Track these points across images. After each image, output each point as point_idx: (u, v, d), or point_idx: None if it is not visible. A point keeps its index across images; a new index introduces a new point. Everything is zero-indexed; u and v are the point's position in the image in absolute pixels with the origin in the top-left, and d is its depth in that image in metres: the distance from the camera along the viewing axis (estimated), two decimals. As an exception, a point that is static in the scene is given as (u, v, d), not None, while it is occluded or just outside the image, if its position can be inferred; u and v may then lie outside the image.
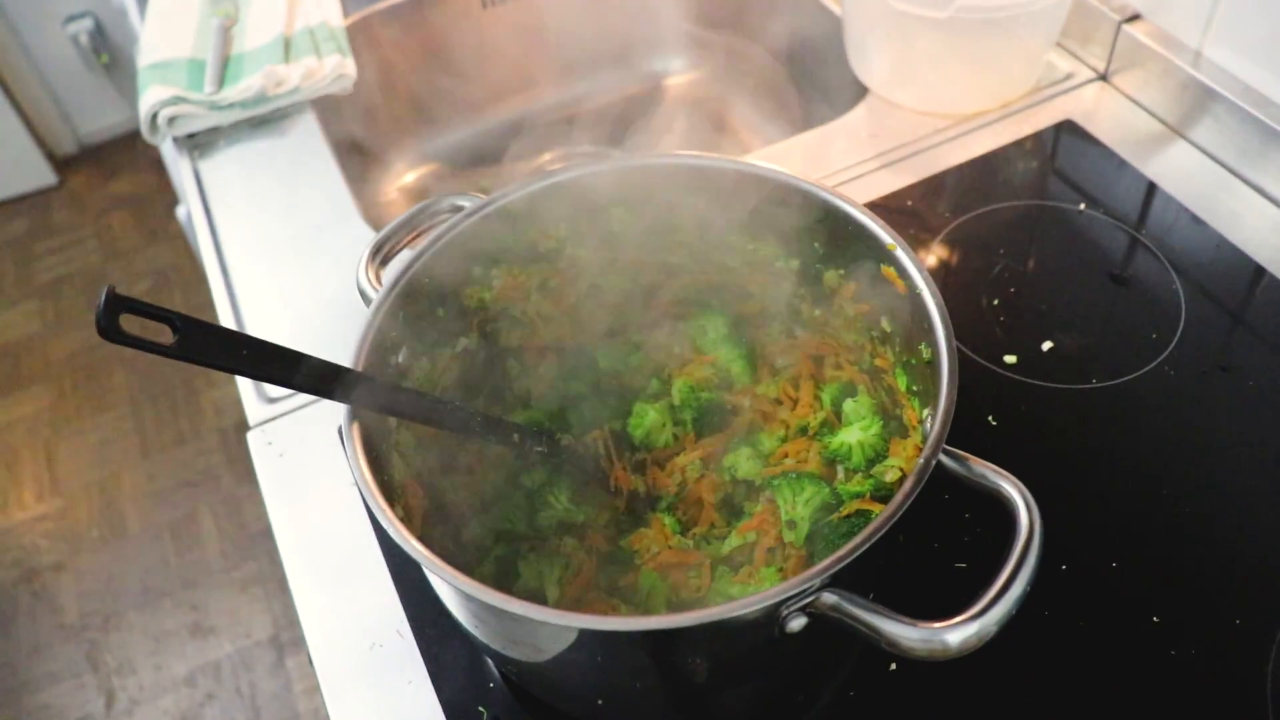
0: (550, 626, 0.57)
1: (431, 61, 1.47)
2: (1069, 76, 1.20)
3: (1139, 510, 0.81)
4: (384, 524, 0.59)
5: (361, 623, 0.80)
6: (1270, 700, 0.70)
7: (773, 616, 0.55)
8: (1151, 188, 1.07)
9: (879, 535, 0.54)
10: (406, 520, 0.66)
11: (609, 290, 0.85)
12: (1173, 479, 0.82)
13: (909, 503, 0.55)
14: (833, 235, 0.74)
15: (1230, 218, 1.03)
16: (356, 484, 0.62)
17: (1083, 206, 1.05)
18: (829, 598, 0.55)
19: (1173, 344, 0.92)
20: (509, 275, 0.80)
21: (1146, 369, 0.90)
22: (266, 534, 0.86)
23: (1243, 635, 0.74)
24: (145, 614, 2.15)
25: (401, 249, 0.78)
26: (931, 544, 0.79)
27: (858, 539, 0.54)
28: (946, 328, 0.63)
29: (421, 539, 0.59)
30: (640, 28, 1.61)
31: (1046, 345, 0.93)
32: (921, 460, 0.57)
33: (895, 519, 0.54)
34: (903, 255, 0.68)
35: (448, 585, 0.57)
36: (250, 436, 0.93)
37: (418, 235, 0.79)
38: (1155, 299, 0.96)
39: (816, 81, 1.41)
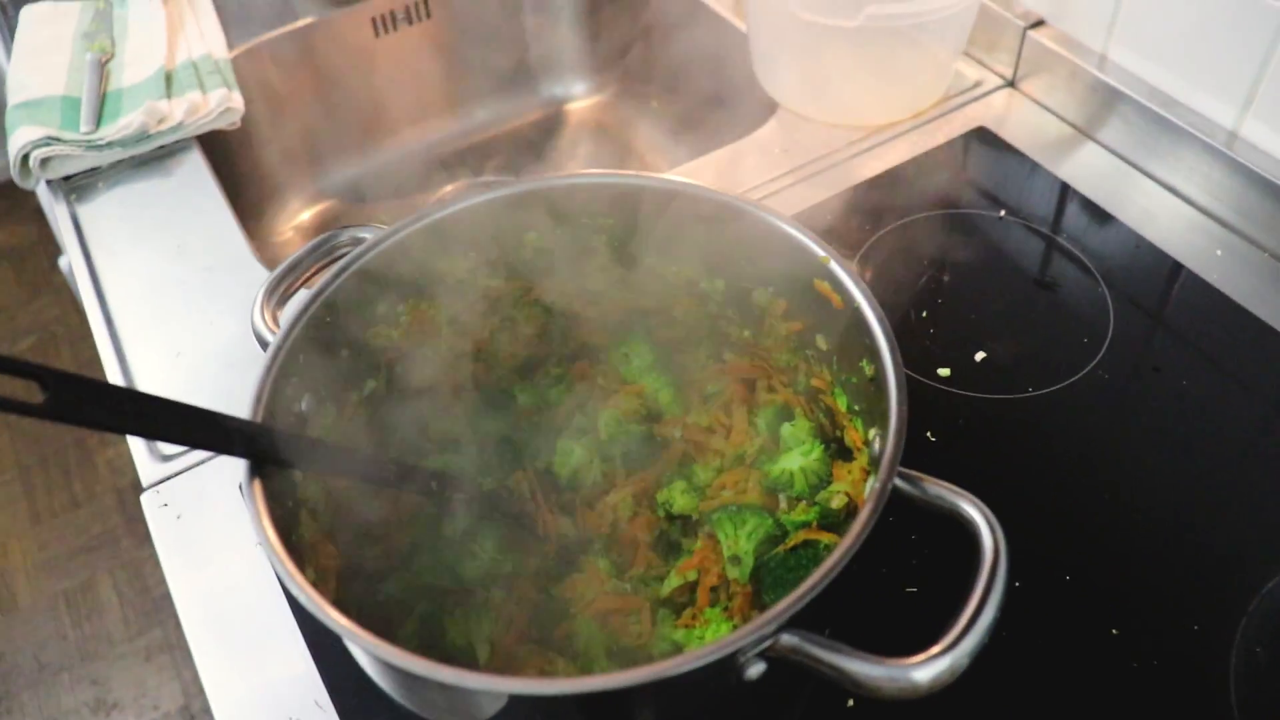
0: (482, 693, 0.52)
1: (324, 93, 1.41)
2: (978, 84, 1.19)
3: (1087, 520, 0.78)
4: (293, 589, 0.53)
5: (275, 695, 0.73)
6: (1236, 705, 0.68)
7: (729, 665, 0.50)
8: (1068, 191, 1.06)
9: (839, 569, 0.50)
10: (319, 582, 0.60)
11: (524, 322, 0.81)
12: (1118, 485, 0.80)
13: (868, 532, 0.51)
14: (759, 251, 0.71)
15: (1145, 217, 1.03)
16: (262, 546, 0.56)
17: (1003, 213, 1.04)
18: (788, 640, 0.51)
19: (1105, 347, 0.90)
20: (417, 311, 0.75)
21: (1081, 374, 0.88)
22: (171, 597, 0.79)
23: (1203, 640, 0.71)
24: (40, 693, 2.01)
25: (300, 287, 0.72)
26: (879, 569, 0.75)
27: (817, 575, 0.49)
28: (890, 341, 0.60)
29: (337, 602, 0.54)
30: (539, 53, 1.58)
31: (979, 356, 0.90)
32: (878, 484, 0.53)
33: (855, 549, 0.50)
34: (837, 268, 0.65)
35: (368, 653, 0.52)
36: (144, 498, 0.85)
37: (317, 272, 0.73)
38: (1083, 302, 0.95)
39: (723, 99, 1.38)
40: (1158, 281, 0.96)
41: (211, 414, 0.56)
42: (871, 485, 0.57)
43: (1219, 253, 0.99)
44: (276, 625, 0.77)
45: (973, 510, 0.54)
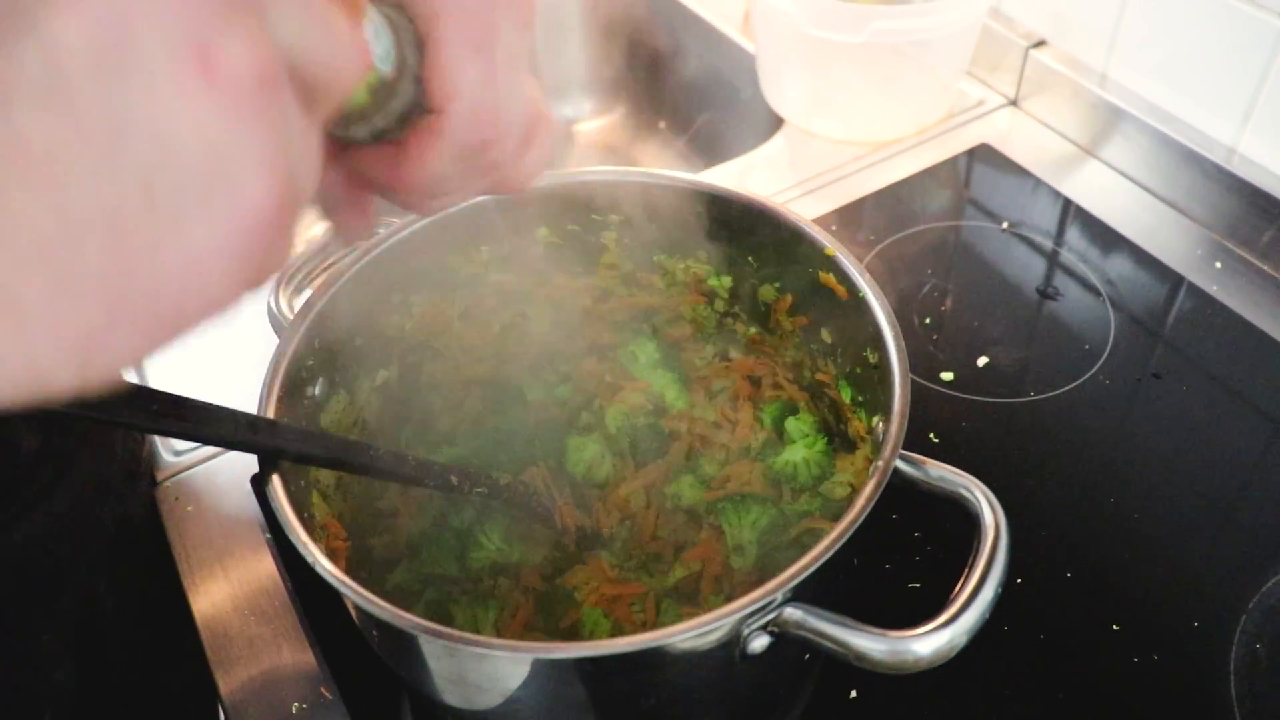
0: (498, 660, 0.53)
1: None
2: (981, 103, 1.21)
3: (1088, 519, 0.79)
4: (309, 558, 0.54)
5: (280, 682, 0.73)
6: (1235, 698, 0.69)
7: (735, 637, 0.51)
8: (1071, 206, 1.07)
9: (845, 539, 0.50)
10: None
11: (535, 318, 0.82)
12: (1118, 487, 0.81)
13: (871, 504, 0.52)
14: (767, 247, 0.72)
15: (1146, 231, 1.04)
16: (279, 518, 0.56)
17: (1005, 226, 1.06)
18: (792, 613, 0.51)
19: (1105, 355, 0.91)
20: (429, 303, 0.76)
21: (1082, 379, 0.89)
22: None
23: (1203, 636, 0.72)
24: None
25: (317, 275, 0.73)
26: (882, 564, 0.76)
27: (822, 544, 0.51)
28: (892, 323, 0.61)
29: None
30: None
31: (982, 361, 0.91)
32: (881, 461, 0.54)
33: (860, 521, 0.51)
34: (843, 259, 0.66)
35: (382, 626, 0.52)
36: (158, 493, 0.86)
37: (334, 260, 0.74)
38: (1084, 311, 0.96)
39: (731, 119, 1.40)
40: (1158, 292, 0.98)
41: (226, 411, 0.55)
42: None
43: (1218, 265, 1.00)
44: (284, 616, 0.77)
45: (974, 490, 0.55)
